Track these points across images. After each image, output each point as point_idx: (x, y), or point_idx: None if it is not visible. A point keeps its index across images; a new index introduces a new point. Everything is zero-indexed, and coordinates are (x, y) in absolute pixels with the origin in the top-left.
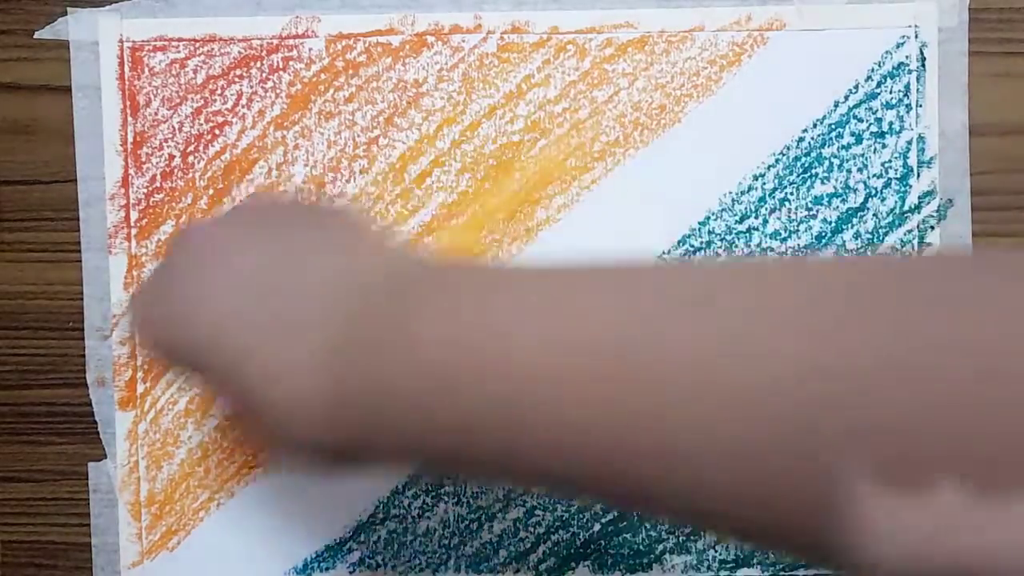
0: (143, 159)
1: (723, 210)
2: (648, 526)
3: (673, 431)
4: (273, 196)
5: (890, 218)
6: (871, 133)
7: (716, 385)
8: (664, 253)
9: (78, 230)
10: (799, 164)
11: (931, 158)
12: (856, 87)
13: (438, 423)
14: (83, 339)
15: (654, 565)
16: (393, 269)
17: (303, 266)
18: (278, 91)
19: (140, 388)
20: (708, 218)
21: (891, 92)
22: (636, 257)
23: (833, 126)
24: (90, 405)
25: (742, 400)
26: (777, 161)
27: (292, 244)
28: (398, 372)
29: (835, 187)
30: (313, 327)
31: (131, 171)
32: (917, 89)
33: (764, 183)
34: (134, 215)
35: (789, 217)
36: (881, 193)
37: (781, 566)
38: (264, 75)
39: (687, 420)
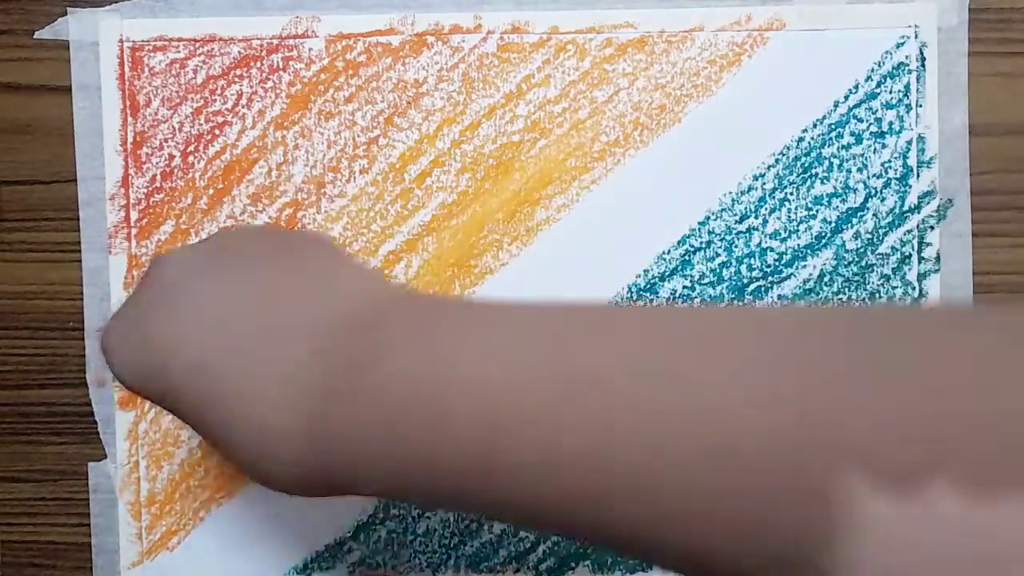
0: (143, 159)
1: (723, 210)
2: None
3: (654, 475)
4: (247, 226)
5: (890, 218)
6: (871, 133)
7: (698, 433)
8: (664, 253)
9: (78, 230)
10: (799, 164)
11: (931, 158)
12: (856, 87)
13: (410, 464)
14: (83, 339)
15: (654, 566)
16: (368, 302)
17: (277, 300)
18: (278, 91)
19: None
20: (708, 218)
21: (891, 92)
22: (596, 298)
23: (833, 126)
24: (90, 405)
25: (725, 442)
26: (777, 161)
27: (266, 276)
28: (370, 414)
29: (835, 187)
30: (287, 366)
31: (131, 171)
32: (917, 89)
33: (764, 183)
34: (134, 215)
35: (789, 217)
36: (881, 193)
37: None
38: (264, 75)
39: (667, 468)
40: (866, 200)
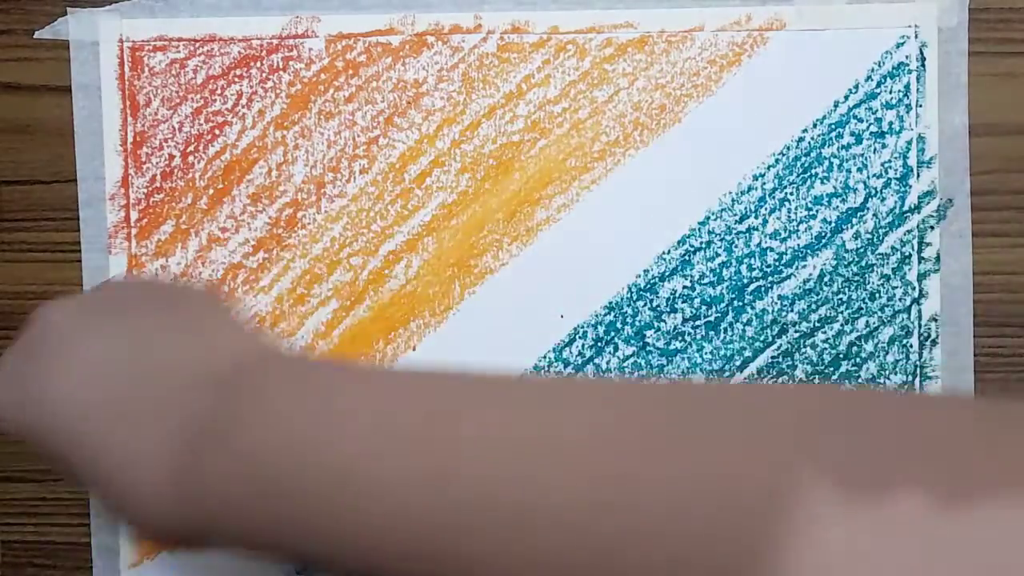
0: (143, 159)
1: (723, 210)
2: None
3: (494, 536)
4: (133, 278)
5: (890, 218)
6: (871, 133)
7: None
8: (664, 253)
9: (78, 230)
10: (799, 164)
11: (931, 158)
12: (856, 87)
13: (270, 520)
14: None
15: None
16: (238, 357)
17: (150, 354)
18: (278, 91)
19: None
20: (708, 218)
21: (891, 92)
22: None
23: (833, 126)
24: None
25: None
26: (777, 161)
27: (143, 329)
28: (232, 471)
29: (835, 187)
30: (158, 418)
31: (131, 171)
32: (917, 89)
33: (764, 183)
34: (134, 215)
35: (789, 217)
36: (881, 193)
37: None
38: (264, 75)
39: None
40: (866, 200)
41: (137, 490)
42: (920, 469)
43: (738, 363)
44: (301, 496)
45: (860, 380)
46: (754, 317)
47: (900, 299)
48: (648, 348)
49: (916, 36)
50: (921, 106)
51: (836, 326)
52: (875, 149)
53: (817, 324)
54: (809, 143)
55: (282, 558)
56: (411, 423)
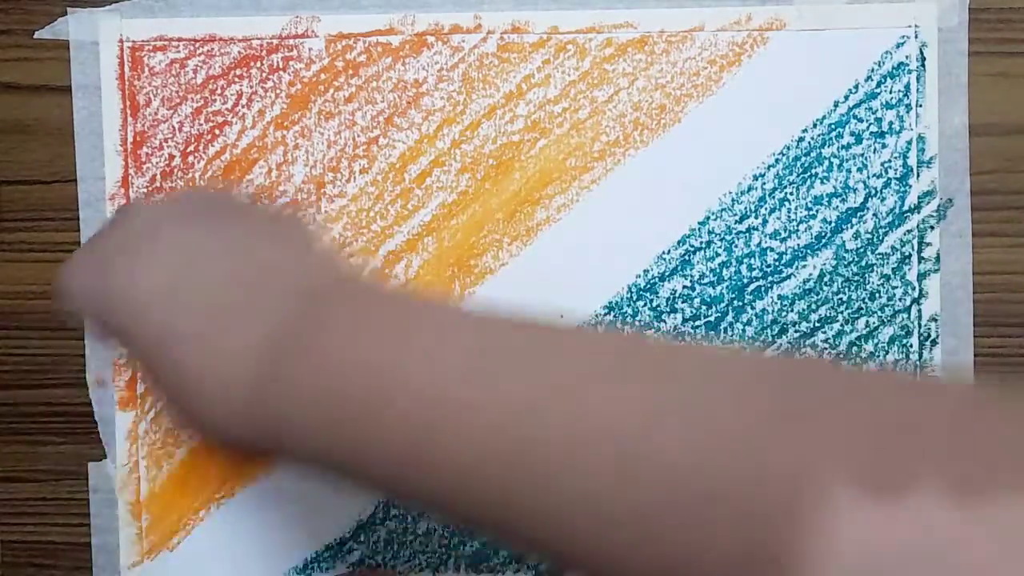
0: (143, 159)
1: (723, 210)
2: None
3: (592, 497)
4: (224, 189)
5: (890, 218)
6: (871, 133)
7: (636, 455)
8: (664, 253)
9: (78, 230)
10: (799, 164)
11: (931, 158)
12: (856, 87)
13: (346, 436)
14: (83, 339)
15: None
16: (326, 278)
17: (242, 259)
18: (278, 91)
19: (140, 388)
20: (708, 218)
21: (891, 92)
22: (565, 321)
23: (833, 126)
24: (90, 405)
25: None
26: (777, 161)
27: (234, 235)
28: (312, 384)
29: (835, 187)
30: (245, 321)
31: (131, 171)
32: (917, 89)
33: (764, 183)
34: None
35: (789, 217)
36: (881, 193)
37: None
38: (264, 75)
39: (607, 491)
40: (866, 200)
41: (214, 388)
42: (937, 465)
43: None
44: (380, 417)
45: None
46: (754, 317)
47: (900, 299)
48: None
49: (916, 36)
50: (921, 106)
51: (836, 326)
52: (875, 149)
53: (817, 324)
54: (809, 143)
55: (344, 478)
56: (503, 353)
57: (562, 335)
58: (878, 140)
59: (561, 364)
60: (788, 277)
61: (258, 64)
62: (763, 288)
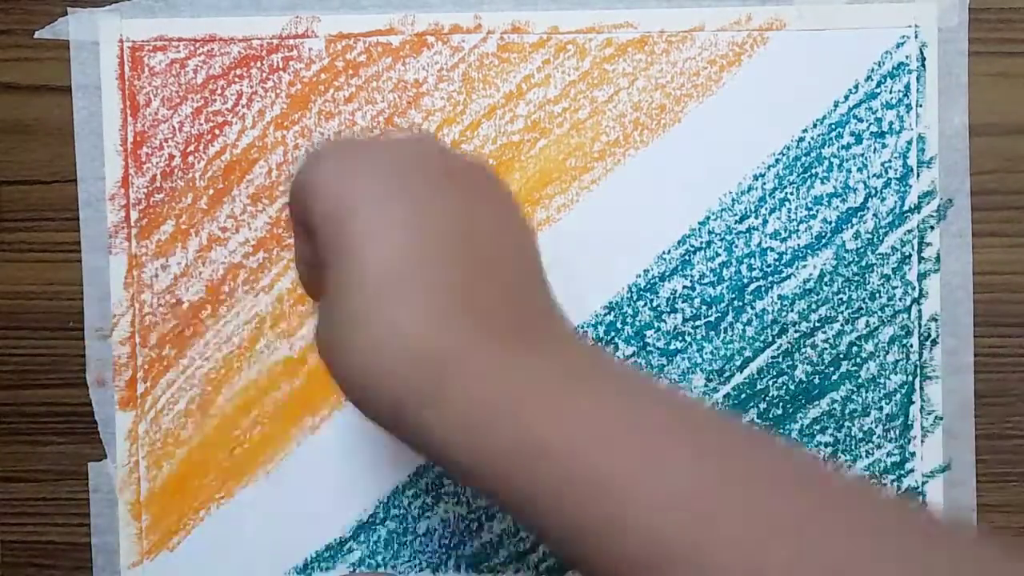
0: (143, 159)
1: (723, 210)
2: None
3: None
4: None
5: (890, 218)
6: (871, 133)
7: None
8: (664, 253)
9: (78, 230)
10: (799, 164)
11: (931, 158)
12: (856, 87)
13: (487, 458)
14: (83, 339)
15: None
16: (533, 305)
17: (476, 247)
18: (278, 91)
19: (140, 388)
20: (708, 218)
21: (891, 92)
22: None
23: (833, 126)
24: (90, 405)
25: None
26: (777, 161)
27: (477, 216)
28: (468, 404)
29: (835, 187)
30: (444, 305)
31: (131, 171)
32: (917, 89)
33: (764, 183)
34: (134, 215)
35: (789, 217)
36: (881, 193)
37: None
38: (264, 75)
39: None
40: (866, 200)
41: (380, 343)
42: None
43: (738, 363)
44: (532, 462)
45: (860, 380)
46: (754, 317)
47: (900, 299)
48: (648, 348)
49: (916, 36)
50: (921, 106)
51: (836, 326)
52: (875, 149)
53: (817, 324)
54: (809, 143)
55: (468, 482)
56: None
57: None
58: (878, 140)
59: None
60: (788, 277)
61: (258, 64)
62: (763, 288)
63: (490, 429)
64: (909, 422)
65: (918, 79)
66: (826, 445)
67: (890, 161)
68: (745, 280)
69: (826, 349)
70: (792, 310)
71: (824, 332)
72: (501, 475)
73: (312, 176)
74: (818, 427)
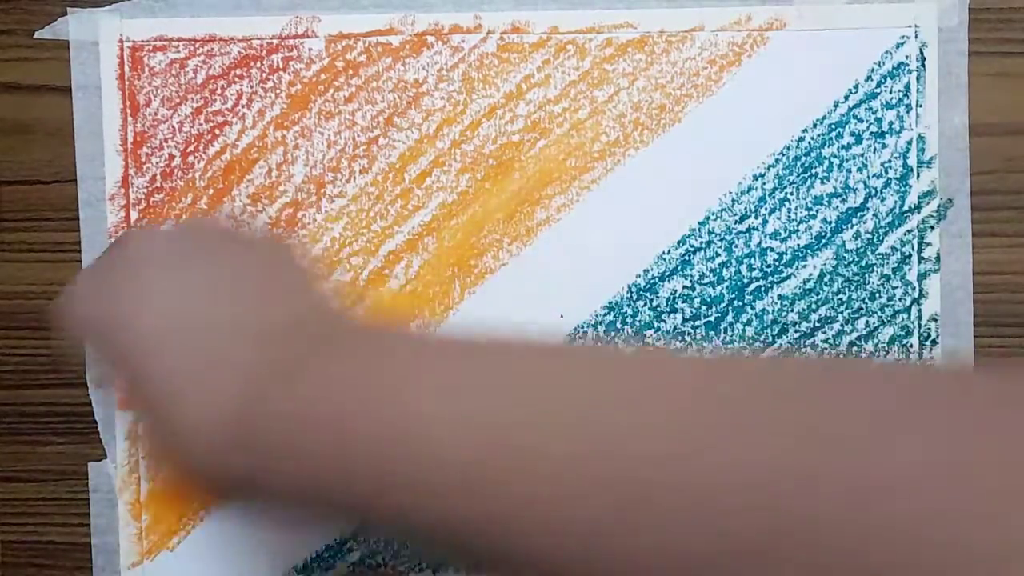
0: (143, 159)
1: (723, 210)
2: None
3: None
4: (216, 220)
5: (890, 218)
6: (871, 133)
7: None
8: (664, 253)
9: (78, 230)
10: (799, 164)
11: (931, 158)
12: (856, 87)
13: (321, 468)
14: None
15: None
16: (320, 318)
17: (239, 296)
18: (278, 91)
19: None
20: (708, 218)
21: (891, 92)
22: (543, 336)
23: (833, 126)
24: (90, 405)
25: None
26: (777, 161)
27: (232, 271)
28: (296, 413)
29: (835, 187)
30: (235, 358)
31: (131, 171)
32: (917, 89)
33: (764, 183)
34: (134, 215)
35: (789, 217)
36: (881, 193)
37: None
38: (264, 75)
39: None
40: (866, 200)
41: (196, 418)
42: None
43: None
44: (367, 446)
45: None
46: (754, 317)
47: (900, 299)
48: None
49: (916, 36)
50: (921, 106)
51: (836, 326)
52: (875, 149)
53: (817, 324)
54: (809, 143)
55: (329, 512)
56: (479, 388)
57: (545, 352)
58: (878, 140)
59: (567, 385)
60: (788, 277)
61: (258, 64)
62: (763, 288)
63: (341, 440)
64: None
65: (918, 79)
66: None
67: (890, 161)
68: (745, 280)
69: (826, 349)
70: (792, 310)
71: (824, 332)
72: (373, 475)
73: (70, 311)
74: None
